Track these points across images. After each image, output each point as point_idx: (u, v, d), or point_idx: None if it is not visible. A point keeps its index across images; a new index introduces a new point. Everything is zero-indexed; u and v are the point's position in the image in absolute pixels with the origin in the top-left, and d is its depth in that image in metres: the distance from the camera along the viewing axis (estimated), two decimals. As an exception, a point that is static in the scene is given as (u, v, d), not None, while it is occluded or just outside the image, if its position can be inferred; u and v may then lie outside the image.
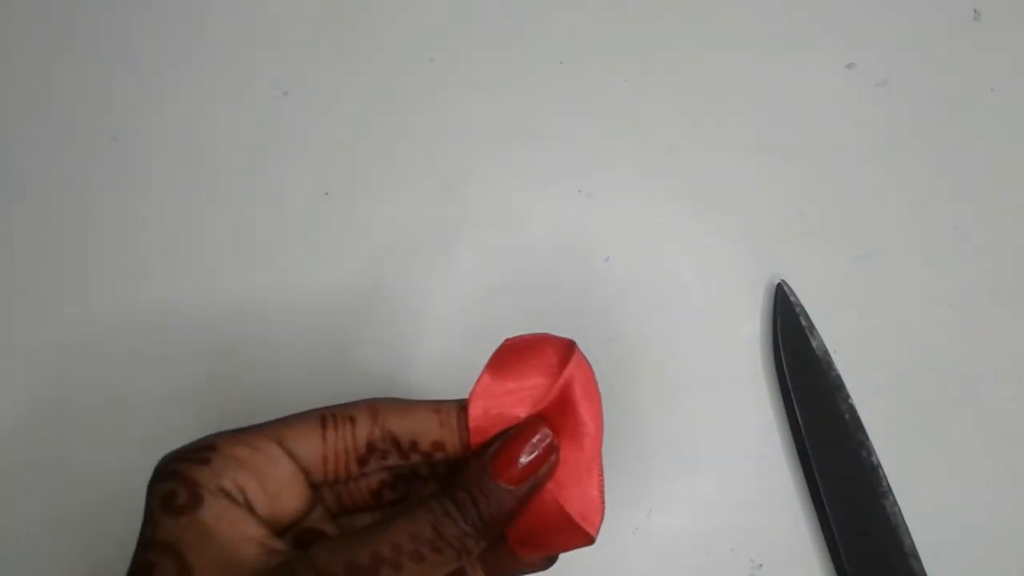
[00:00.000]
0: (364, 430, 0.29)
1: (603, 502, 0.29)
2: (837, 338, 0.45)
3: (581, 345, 0.30)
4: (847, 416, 0.43)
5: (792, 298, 0.45)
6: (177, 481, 0.26)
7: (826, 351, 0.45)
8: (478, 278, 0.46)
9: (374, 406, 0.29)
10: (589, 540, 0.28)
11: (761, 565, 0.43)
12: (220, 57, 0.49)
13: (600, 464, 0.29)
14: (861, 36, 0.51)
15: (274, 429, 0.28)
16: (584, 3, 0.51)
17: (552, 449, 0.28)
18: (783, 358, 0.44)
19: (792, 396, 0.44)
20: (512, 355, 0.29)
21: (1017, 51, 0.52)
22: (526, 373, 0.29)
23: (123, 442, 0.43)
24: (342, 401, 0.30)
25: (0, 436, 0.43)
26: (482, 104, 0.49)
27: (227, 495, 0.26)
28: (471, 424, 0.29)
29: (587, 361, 0.29)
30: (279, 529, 0.28)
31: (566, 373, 0.28)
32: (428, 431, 0.29)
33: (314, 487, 0.29)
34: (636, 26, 0.51)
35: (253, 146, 0.48)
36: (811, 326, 0.45)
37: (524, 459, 0.27)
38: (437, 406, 0.29)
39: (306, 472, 0.28)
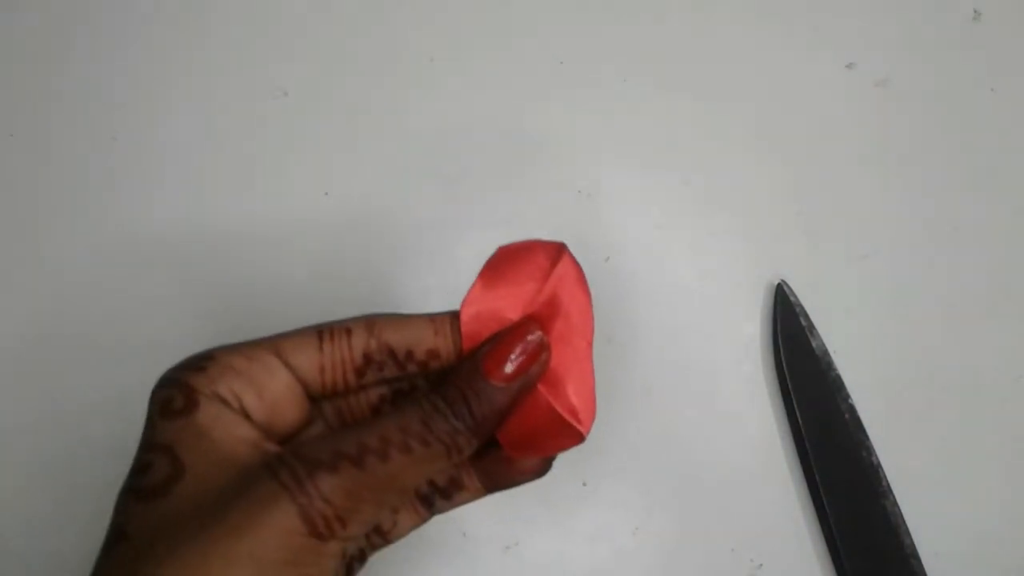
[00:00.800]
0: (360, 341, 0.29)
1: (594, 400, 0.29)
2: (837, 338, 0.45)
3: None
4: (847, 416, 0.43)
5: (792, 298, 0.45)
6: (175, 387, 0.27)
7: (826, 351, 0.45)
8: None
9: (371, 320, 0.29)
10: (579, 438, 0.29)
11: (761, 565, 0.43)
12: (220, 57, 0.49)
13: (591, 362, 0.29)
14: (861, 36, 0.51)
15: (272, 341, 0.28)
16: (584, 3, 0.51)
17: (542, 347, 0.28)
18: (783, 358, 0.44)
19: (792, 396, 0.44)
20: (504, 261, 0.30)
21: (1017, 51, 0.52)
22: (517, 278, 0.29)
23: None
24: None
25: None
26: (482, 104, 0.49)
27: (222, 401, 0.27)
28: (463, 329, 0.29)
29: (576, 262, 0.30)
30: (278, 438, 0.28)
31: (555, 273, 0.29)
32: (423, 340, 0.29)
33: (313, 400, 0.29)
34: (636, 26, 0.51)
35: (253, 146, 0.48)
36: (811, 326, 0.45)
37: (515, 357, 0.28)
38: (432, 316, 0.30)
39: (304, 383, 0.28)
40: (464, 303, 0.29)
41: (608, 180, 0.48)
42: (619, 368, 0.45)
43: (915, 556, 0.41)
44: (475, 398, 0.27)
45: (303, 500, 0.24)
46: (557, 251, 0.30)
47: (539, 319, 0.29)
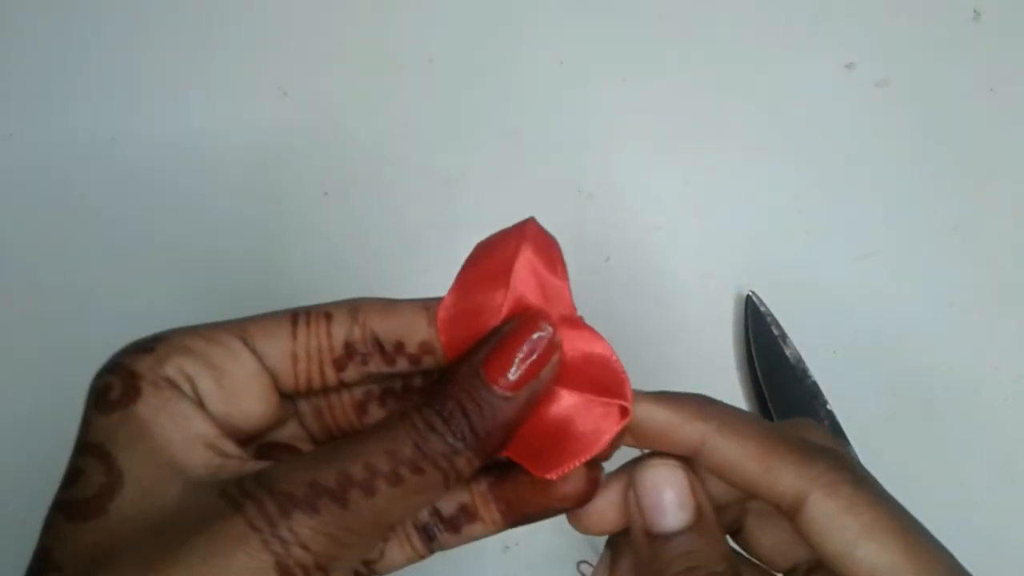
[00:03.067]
0: (342, 328, 0.25)
1: (621, 366, 0.24)
2: (837, 337, 0.45)
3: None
4: (826, 422, 0.44)
5: (763, 308, 0.45)
6: (113, 373, 0.22)
7: (800, 359, 0.45)
8: (478, 278, 0.46)
9: (355, 304, 0.25)
10: (626, 414, 0.24)
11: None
12: (220, 57, 0.49)
13: (592, 330, 0.25)
14: (861, 36, 0.51)
15: (238, 324, 0.24)
16: (584, 3, 0.51)
17: (553, 346, 0.24)
18: (757, 368, 0.44)
19: (769, 404, 0.44)
20: (479, 257, 0.26)
21: (1017, 51, 0.52)
22: (492, 271, 0.25)
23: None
24: None
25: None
26: (482, 104, 0.49)
27: (171, 385, 0.22)
28: (441, 337, 0.25)
29: (544, 232, 0.26)
30: (239, 437, 0.24)
31: (523, 253, 0.25)
32: (415, 330, 0.25)
33: (287, 397, 0.25)
34: (636, 26, 0.51)
35: (253, 146, 0.48)
36: (784, 335, 0.45)
37: (521, 359, 0.23)
38: (426, 303, 0.26)
39: (273, 374, 0.24)
40: (440, 306, 0.25)
41: (608, 180, 0.48)
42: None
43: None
44: (476, 411, 0.22)
45: (277, 547, 0.20)
46: (520, 228, 0.26)
47: (527, 305, 0.25)
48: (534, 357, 0.23)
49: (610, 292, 0.47)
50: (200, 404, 0.23)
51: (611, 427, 0.24)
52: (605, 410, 0.24)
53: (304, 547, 0.20)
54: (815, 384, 0.44)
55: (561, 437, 0.24)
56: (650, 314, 0.46)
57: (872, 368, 0.46)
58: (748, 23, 0.51)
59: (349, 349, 0.25)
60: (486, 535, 0.26)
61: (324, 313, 0.25)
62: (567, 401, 0.24)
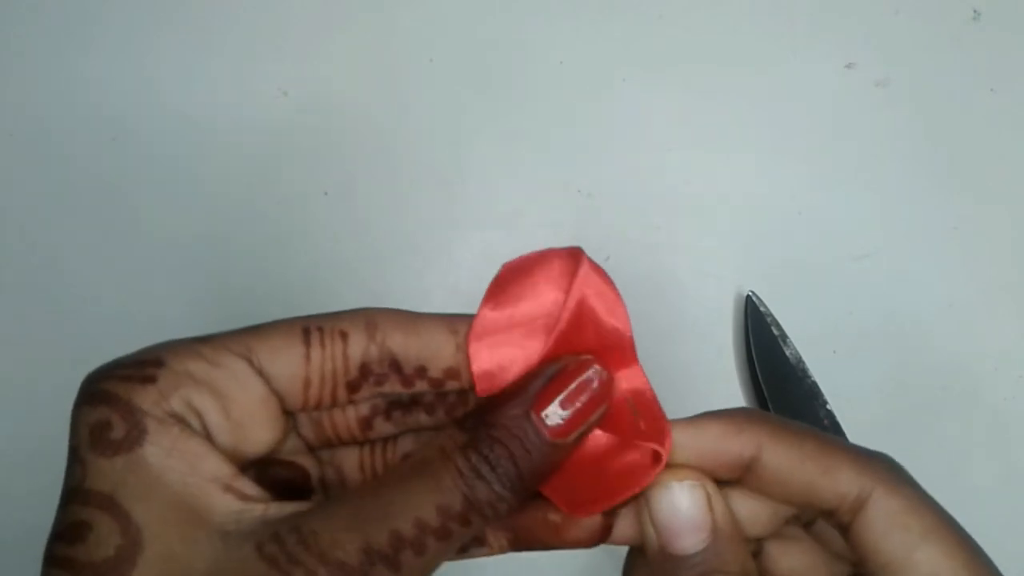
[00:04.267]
0: (358, 348, 0.22)
1: (663, 413, 0.23)
2: (838, 337, 0.45)
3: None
4: (826, 422, 0.44)
5: (763, 308, 0.45)
6: (110, 406, 0.20)
7: (800, 359, 0.45)
8: (478, 278, 0.46)
9: (372, 318, 0.23)
10: (659, 462, 0.23)
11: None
12: (220, 57, 0.49)
13: (641, 370, 0.24)
14: (861, 36, 0.51)
15: (242, 340, 0.22)
16: (584, 3, 0.51)
17: (607, 392, 0.22)
18: (757, 369, 0.44)
19: (769, 404, 0.44)
20: (511, 278, 0.24)
21: (1017, 51, 0.52)
22: (532, 295, 0.23)
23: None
24: None
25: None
26: (482, 104, 0.49)
27: (179, 421, 0.20)
28: (473, 368, 0.23)
29: (599, 267, 0.24)
30: (243, 465, 0.22)
31: (576, 286, 0.23)
32: (440, 355, 0.23)
33: (288, 413, 0.23)
34: (636, 26, 0.51)
35: (253, 146, 0.48)
36: (784, 335, 0.45)
37: (574, 404, 0.22)
38: (452, 323, 0.23)
39: (281, 395, 0.22)
40: (471, 334, 0.23)
41: (608, 180, 0.48)
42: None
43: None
44: (524, 455, 0.21)
45: None
46: (573, 257, 0.24)
47: (571, 341, 0.23)
48: (586, 401, 0.22)
49: (610, 292, 0.47)
50: (209, 439, 0.21)
51: (646, 471, 0.23)
52: (640, 452, 0.23)
53: None
54: (815, 384, 0.44)
55: (595, 477, 0.23)
56: (650, 314, 0.46)
57: (872, 368, 0.46)
58: (748, 23, 0.51)
59: (365, 371, 0.23)
60: (488, 556, 0.25)
61: (339, 331, 0.22)
62: (603, 440, 0.23)
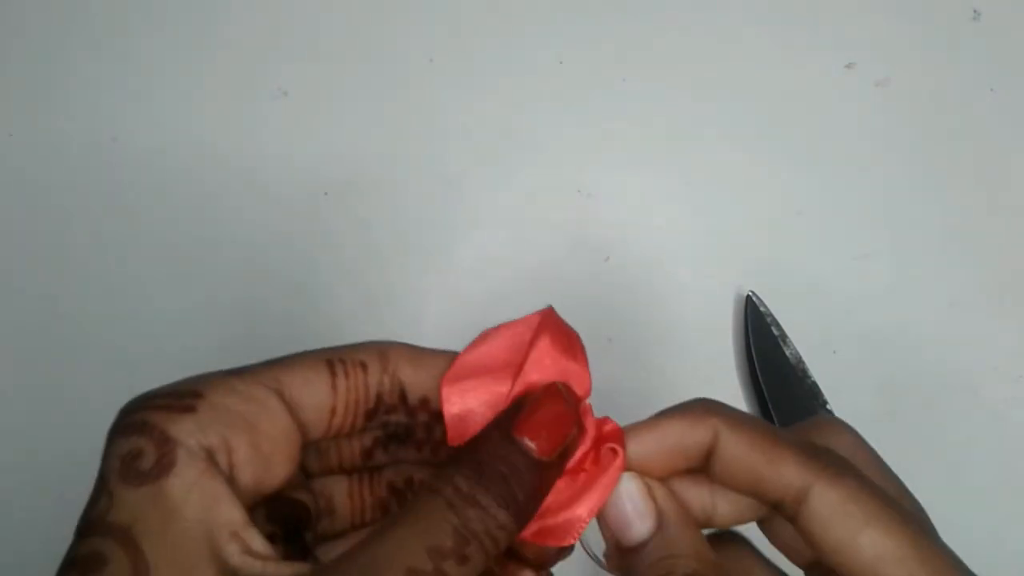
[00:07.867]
0: (375, 378, 0.23)
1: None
2: (837, 337, 0.45)
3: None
4: None
5: (762, 308, 0.45)
6: (144, 435, 0.20)
7: (800, 359, 0.45)
8: (478, 278, 0.46)
9: (384, 350, 0.24)
10: (622, 467, 0.24)
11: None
12: (220, 57, 0.49)
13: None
14: (861, 36, 0.51)
15: (271, 373, 0.22)
16: (584, 3, 0.51)
17: (577, 406, 0.23)
18: (757, 370, 0.44)
19: (769, 404, 0.44)
20: (489, 334, 0.25)
21: (1017, 51, 0.52)
22: (502, 345, 0.25)
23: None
24: None
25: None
26: (482, 104, 0.49)
27: (209, 456, 0.20)
28: (447, 420, 0.24)
29: (564, 324, 0.26)
30: (256, 501, 0.22)
31: (540, 337, 0.24)
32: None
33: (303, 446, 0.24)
34: (636, 26, 0.51)
35: (253, 146, 0.48)
36: (783, 335, 0.45)
37: (550, 424, 0.22)
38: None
39: (304, 427, 0.23)
40: (444, 379, 0.24)
41: (608, 180, 0.48)
42: (619, 367, 0.45)
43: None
44: (516, 476, 0.21)
45: None
46: (537, 318, 0.25)
47: (536, 379, 0.24)
48: (560, 416, 0.22)
49: (610, 292, 0.47)
50: (231, 479, 0.21)
51: (610, 475, 0.24)
52: (601, 459, 0.24)
53: None
54: (815, 384, 0.44)
55: (562, 502, 0.24)
56: (650, 314, 0.46)
57: (872, 368, 0.46)
58: (748, 23, 0.51)
59: (379, 401, 0.24)
60: None
61: (360, 362, 0.23)
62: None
